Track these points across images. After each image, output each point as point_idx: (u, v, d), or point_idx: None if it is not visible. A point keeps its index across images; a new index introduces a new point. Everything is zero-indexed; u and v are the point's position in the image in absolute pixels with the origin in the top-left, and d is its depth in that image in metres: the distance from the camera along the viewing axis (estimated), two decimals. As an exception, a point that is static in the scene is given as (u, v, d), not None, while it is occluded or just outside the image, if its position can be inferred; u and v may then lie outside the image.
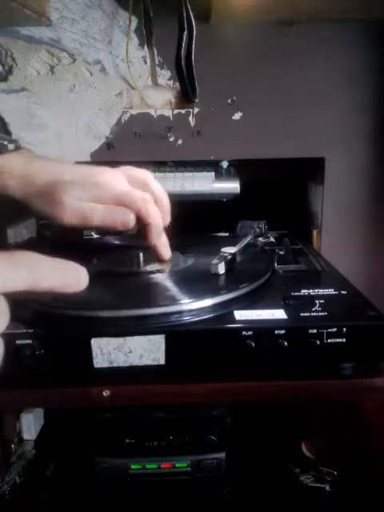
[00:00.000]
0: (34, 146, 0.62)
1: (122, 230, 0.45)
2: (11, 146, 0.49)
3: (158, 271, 0.50)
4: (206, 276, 0.48)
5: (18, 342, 0.38)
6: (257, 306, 0.43)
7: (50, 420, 0.74)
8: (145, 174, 0.48)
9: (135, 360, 0.39)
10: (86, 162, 0.64)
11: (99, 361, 0.39)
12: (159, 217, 0.47)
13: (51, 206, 0.43)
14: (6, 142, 0.49)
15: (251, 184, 0.67)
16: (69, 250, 0.62)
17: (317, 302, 0.43)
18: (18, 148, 0.50)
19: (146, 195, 0.46)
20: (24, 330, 0.38)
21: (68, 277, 0.32)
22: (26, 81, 0.61)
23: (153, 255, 0.51)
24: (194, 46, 0.57)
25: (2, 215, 0.66)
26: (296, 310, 0.42)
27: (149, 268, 0.51)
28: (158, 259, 0.51)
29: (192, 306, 0.41)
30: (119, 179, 0.46)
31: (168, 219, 0.49)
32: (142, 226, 0.46)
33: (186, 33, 0.56)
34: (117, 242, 0.63)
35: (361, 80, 0.63)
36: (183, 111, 0.63)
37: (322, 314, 0.41)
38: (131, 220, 0.44)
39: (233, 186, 0.66)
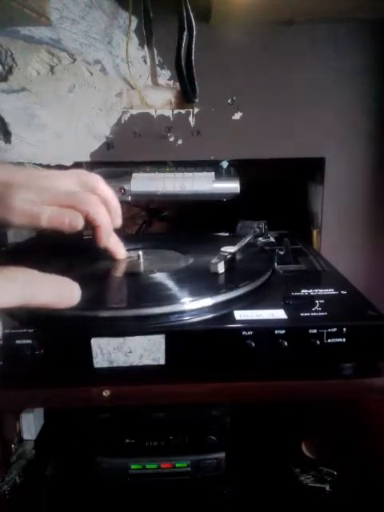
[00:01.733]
0: (34, 146, 0.62)
1: (71, 231, 0.45)
2: None
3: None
4: (206, 276, 0.48)
5: (18, 341, 0.38)
6: (257, 305, 0.43)
7: (50, 420, 0.74)
8: (95, 178, 0.49)
9: (135, 360, 0.39)
10: (86, 162, 0.65)
11: (99, 361, 0.39)
12: (108, 218, 0.47)
13: (0, 208, 0.43)
14: None
15: (251, 184, 0.67)
16: (69, 250, 0.63)
17: (317, 302, 0.43)
18: None
19: (95, 198, 0.46)
20: (24, 330, 0.38)
21: (62, 292, 0.33)
22: (26, 81, 0.61)
23: (108, 255, 0.52)
24: (194, 46, 0.57)
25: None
26: (296, 310, 0.42)
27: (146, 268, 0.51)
28: (113, 258, 0.52)
29: (192, 306, 0.41)
30: (69, 182, 0.46)
31: (119, 221, 0.50)
32: (92, 227, 0.47)
33: (186, 33, 0.56)
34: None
35: (361, 80, 0.63)
36: (183, 111, 0.63)
37: (322, 314, 0.41)
38: (80, 222, 0.45)
39: (233, 186, 0.66)
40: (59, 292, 0.32)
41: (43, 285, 0.31)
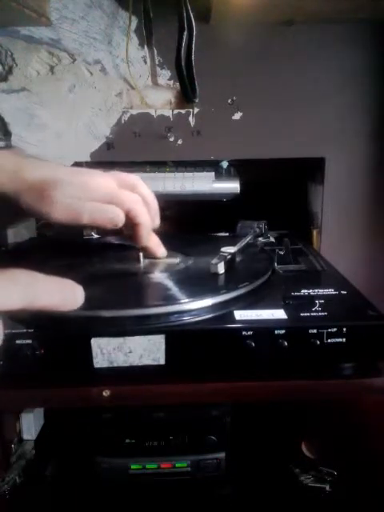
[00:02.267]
0: (34, 146, 0.62)
1: (112, 228, 0.45)
2: (1, 144, 0.49)
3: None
4: (207, 276, 0.48)
5: (18, 341, 0.38)
6: (257, 305, 0.43)
7: (49, 420, 0.74)
8: (134, 178, 0.49)
9: (135, 360, 0.39)
10: (86, 162, 0.65)
11: (99, 361, 0.39)
12: (148, 217, 0.48)
13: (41, 202, 0.43)
14: None
15: (251, 184, 0.67)
16: (69, 249, 0.63)
17: (317, 302, 0.43)
18: (8, 146, 0.50)
19: (136, 196, 0.47)
20: (24, 330, 0.38)
21: (64, 295, 0.32)
22: (26, 81, 0.61)
23: (147, 254, 0.52)
24: (194, 46, 0.57)
25: (2, 215, 0.66)
26: (296, 310, 0.42)
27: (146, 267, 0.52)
28: (154, 257, 0.52)
29: (192, 306, 0.41)
30: (109, 180, 0.47)
31: (157, 221, 0.51)
32: (132, 225, 0.47)
33: (186, 33, 0.56)
34: (117, 242, 0.63)
35: (361, 80, 0.63)
36: (183, 111, 0.63)
37: (322, 314, 0.41)
38: (121, 219, 0.45)
39: (233, 186, 0.66)
40: (62, 295, 0.32)
41: (45, 287, 0.31)
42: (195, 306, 0.42)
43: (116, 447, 0.61)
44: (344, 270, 0.54)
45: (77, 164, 0.63)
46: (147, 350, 0.39)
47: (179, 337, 0.40)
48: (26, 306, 0.29)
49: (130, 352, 0.39)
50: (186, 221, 0.82)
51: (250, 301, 0.44)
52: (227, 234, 0.68)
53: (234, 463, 0.64)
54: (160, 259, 0.52)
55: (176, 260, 0.54)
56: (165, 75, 0.62)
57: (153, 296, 0.46)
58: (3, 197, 0.44)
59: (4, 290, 0.28)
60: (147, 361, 0.39)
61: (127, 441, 0.61)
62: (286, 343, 0.39)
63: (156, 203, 0.50)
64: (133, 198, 0.47)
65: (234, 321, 0.40)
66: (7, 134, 0.61)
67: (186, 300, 0.42)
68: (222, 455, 0.62)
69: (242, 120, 0.63)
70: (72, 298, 0.33)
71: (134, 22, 0.59)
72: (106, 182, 0.46)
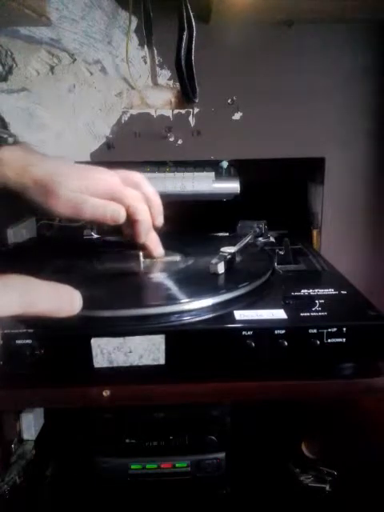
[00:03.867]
0: (34, 146, 0.62)
1: (112, 224, 0.46)
2: (11, 140, 0.50)
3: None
4: (207, 276, 0.48)
5: (18, 341, 0.38)
6: (257, 305, 0.43)
7: (49, 420, 0.74)
8: (138, 176, 0.50)
9: (135, 360, 0.39)
10: (86, 162, 0.64)
11: (99, 361, 0.39)
12: (148, 215, 0.49)
13: (45, 196, 0.44)
14: (5, 136, 0.50)
15: (251, 184, 0.67)
16: (69, 249, 0.63)
17: (317, 301, 0.43)
18: (16, 142, 0.51)
19: (137, 193, 0.48)
20: (24, 330, 0.38)
21: (61, 301, 0.32)
22: (26, 81, 0.61)
23: (145, 252, 0.52)
24: (193, 46, 0.57)
25: (1, 215, 0.66)
26: (296, 310, 0.42)
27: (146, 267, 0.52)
28: (150, 256, 0.52)
29: (192, 306, 0.41)
30: (113, 177, 0.48)
31: (160, 220, 0.51)
32: (131, 222, 0.48)
33: (185, 33, 0.56)
34: (117, 242, 0.63)
35: (361, 80, 0.63)
36: (183, 111, 0.63)
37: (322, 313, 0.41)
38: (122, 215, 0.46)
39: (233, 186, 0.66)
40: (59, 300, 0.32)
41: (42, 293, 0.30)
42: (195, 306, 0.42)
43: (116, 447, 0.61)
44: (344, 270, 0.54)
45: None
46: (147, 350, 0.39)
47: (179, 337, 0.40)
48: (22, 312, 0.28)
49: (130, 352, 0.39)
50: (186, 221, 0.82)
51: (250, 301, 0.44)
52: (227, 234, 0.68)
53: (234, 463, 0.64)
54: (158, 259, 0.53)
55: (176, 258, 0.54)
56: (165, 75, 0.62)
57: (153, 296, 0.46)
58: (11, 191, 0.45)
59: (0, 296, 0.28)
60: (147, 361, 0.39)
61: (127, 441, 0.61)
62: (286, 343, 0.39)
63: (159, 202, 0.51)
64: (134, 195, 0.47)
65: (234, 321, 0.40)
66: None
67: (186, 300, 0.42)
68: (222, 455, 0.62)
69: (242, 120, 0.63)
70: (69, 303, 0.32)
71: (134, 22, 0.59)
72: (110, 178, 0.47)
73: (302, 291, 0.46)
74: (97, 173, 0.47)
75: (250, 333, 0.39)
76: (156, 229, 0.51)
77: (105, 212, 0.46)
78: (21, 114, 0.61)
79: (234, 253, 0.51)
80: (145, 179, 0.50)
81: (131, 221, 0.48)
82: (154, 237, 0.52)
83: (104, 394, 0.40)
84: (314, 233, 0.69)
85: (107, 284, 0.49)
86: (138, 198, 0.48)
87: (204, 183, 0.66)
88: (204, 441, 0.61)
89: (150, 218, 0.49)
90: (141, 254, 0.53)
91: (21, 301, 0.28)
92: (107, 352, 0.39)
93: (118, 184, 0.47)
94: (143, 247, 0.51)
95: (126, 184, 0.48)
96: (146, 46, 0.61)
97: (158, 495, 0.63)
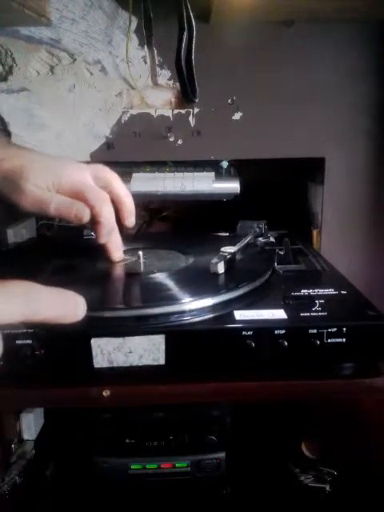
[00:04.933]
0: (34, 146, 0.62)
1: (77, 223, 0.46)
2: None
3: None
4: (207, 276, 0.48)
5: (18, 342, 0.38)
6: (257, 305, 0.43)
7: (49, 420, 0.74)
8: (111, 175, 0.49)
9: (135, 360, 0.39)
10: (86, 162, 0.64)
11: (99, 361, 0.39)
12: (112, 217, 0.48)
13: (11, 190, 0.44)
14: None
15: (251, 184, 0.67)
16: (68, 250, 0.63)
17: (317, 302, 0.43)
18: None
19: (104, 194, 0.47)
20: (24, 330, 0.38)
21: (65, 308, 0.32)
22: (26, 81, 0.61)
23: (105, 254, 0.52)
24: (193, 46, 0.57)
25: (1, 215, 0.66)
26: (296, 310, 0.42)
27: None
28: (107, 258, 0.52)
29: (192, 306, 0.41)
30: (84, 175, 0.47)
31: (132, 221, 0.51)
32: (94, 222, 0.47)
33: (185, 33, 0.56)
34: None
35: (361, 80, 0.63)
36: (183, 111, 0.63)
37: (322, 314, 0.41)
38: (86, 214, 0.46)
39: (233, 186, 0.66)
40: (63, 307, 0.31)
41: (46, 300, 0.30)
42: (195, 306, 0.42)
43: (116, 447, 0.61)
44: (344, 270, 0.54)
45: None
46: (147, 350, 0.39)
47: (179, 337, 0.40)
48: (25, 320, 0.28)
49: (130, 352, 0.39)
50: (186, 221, 0.82)
51: (250, 301, 0.44)
52: (227, 234, 0.68)
53: (234, 463, 0.64)
54: (115, 262, 0.52)
55: (133, 259, 0.53)
56: (165, 75, 0.62)
57: (153, 296, 0.46)
58: None
59: (3, 304, 0.27)
60: (147, 361, 0.39)
61: (127, 441, 0.61)
62: (286, 343, 0.39)
63: (131, 202, 0.50)
64: (100, 196, 0.47)
65: (234, 321, 0.40)
66: (7, 134, 0.61)
67: (186, 300, 0.42)
68: (222, 455, 0.62)
69: (242, 120, 0.63)
70: (73, 310, 0.32)
71: (134, 22, 0.59)
72: (79, 175, 0.47)
73: (302, 291, 0.46)
74: (67, 168, 0.47)
75: (250, 333, 0.39)
76: (127, 229, 0.51)
77: (69, 210, 0.45)
78: (21, 113, 0.61)
79: (234, 253, 0.51)
80: (118, 179, 0.50)
81: (94, 221, 0.47)
82: (115, 239, 0.51)
83: (104, 394, 0.40)
84: (314, 233, 0.69)
85: (107, 284, 0.49)
86: (104, 198, 0.47)
87: (204, 183, 0.65)
88: (204, 441, 0.61)
89: (113, 220, 0.48)
90: (141, 253, 0.53)
91: (23, 308, 0.28)
92: (107, 352, 0.39)
93: (85, 182, 0.47)
94: (103, 248, 0.51)
95: (97, 182, 0.48)
96: (146, 46, 0.61)
97: (158, 495, 0.63)
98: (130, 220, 0.51)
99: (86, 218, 0.46)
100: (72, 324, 0.33)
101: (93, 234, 0.67)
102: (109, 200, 0.48)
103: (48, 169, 0.46)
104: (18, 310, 0.28)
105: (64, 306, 0.32)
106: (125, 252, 0.54)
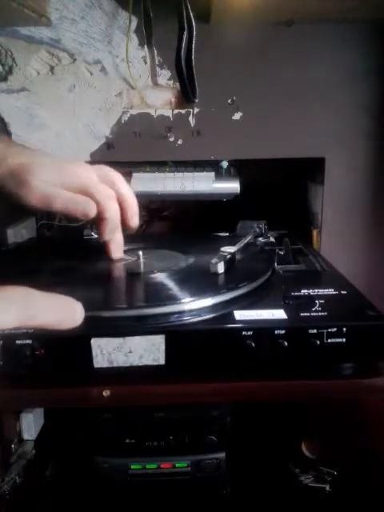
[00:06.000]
0: (34, 146, 0.62)
1: (82, 219, 0.46)
2: None
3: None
4: (207, 276, 0.48)
5: (18, 342, 0.38)
6: (257, 305, 0.43)
7: (49, 420, 0.74)
8: (116, 175, 0.50)
9: (135, 360, 0.39)
10: (86, 162, 0.64)
11: (99, 361, 0.39)
12: (117, 214, 0.48)
13: (18, 186, 0.44)
14: None
15: (251, 184, 0.67)
16: (68, 250, 0.63)
17: (317, 301, 0.43)
18: None
19: (110, 191, 0.48)
20: (24, 330, 0.38)
21: (62, 313, 0.31)
22: (26, 81, 0.61)
23: (106, 252, 0.52)
24: (193, 46, 0.57)
25: (1, 215, 0.66)
26: (296, 310, 0.42)
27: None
28: (107, 255, 0.52)
29: (192, 306, 0.41)
30: (91, 173, 0.48)
31: (135, 221, 0.51)
32: (99, 219, 0.48)
33: (185, 33, 0.56)
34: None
35: (361, 80, 0.63)
36: (183, 111, 0.63)
37: (322, 314, 0.41)
38: (92, 211, 0.46)
39: (233, 186, 0.66)
40: (60, 313, 0.31)
41: (42, 306, 0.30)
42: (195, 306, 0.42)
43: (116, 447, 0.61)
44: (344, 270, 0.54)
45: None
46: (147, 350, 0.39)
47: (179, 337, 0.40)
48: (21, 325, 0.28)
49: (130, 352, 0.39)
50: (186, 221, 0.82)
51: (250, 301, 0.44)
52: (227, 234, 0.68)
53: (234, 463, 0.64)
54: (115, 261, 0.52)
55: (133, 258, 0.53)
56: (165, 75, 0.62)
57: (153, 296, 0.46)
58: None
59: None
60: (147, 361, 0.39)
61: (127, 441, 0.61)
62: (286, 343, 0.39)
63: (135, 203, 0.50)
64: (106, 193, 0.47)
65: (234, 321, 0.40)
66: (7, 134, 0.61)
67: (186, 300, 0.42)
68: (222, 455, 0.62)
69: (242, 120, 0.63)
70: (70, 316, 0.32)
71: (134, 22, 0.59)
72: (85, 172, 0.47)
73: (302, 291, 0.46)
74: (73, 167, 0.47)
75: (250, 333, 0.39)
76: (131, 230, 0.51)
77: (76, 206, 0.45)
78: (21, 113, 0.61)
79: (234, 253, 0.51)
80: (122, 179, 0.50)
81: (99, 218, 0.47)
82: (118, 238, 0.51)
83: (104, 394, 0.40)
84: (314, 233, 0.69)
85: (107, 284, 0.49)
86: (110, 196, 0.47)
87: (204, 183, 0.65)
88: (204, 441, 0.61)
89: (118, 217, 0.49)
90: (141, 253, 0.53)
91: (19, 314, 0.28)
92: (107, 352, 0.39)
93: (92, 179, 0.47)
94: (104, 245, 0.51)
95: (102, 180, 0.48)
96: (146, 46, 0.61)
97: (158, 495, 0.63)
98: (134, 220, 0.51)
99: (92, 213, 0.46)
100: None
101: (93, 233, 0.67)
102: (115, 197, 0.48)
103: (55, 165, 0.46)
104: (14, 315, 0.27)
105: (61, 311, 0.31)
106: (125, 252, 0.54)
